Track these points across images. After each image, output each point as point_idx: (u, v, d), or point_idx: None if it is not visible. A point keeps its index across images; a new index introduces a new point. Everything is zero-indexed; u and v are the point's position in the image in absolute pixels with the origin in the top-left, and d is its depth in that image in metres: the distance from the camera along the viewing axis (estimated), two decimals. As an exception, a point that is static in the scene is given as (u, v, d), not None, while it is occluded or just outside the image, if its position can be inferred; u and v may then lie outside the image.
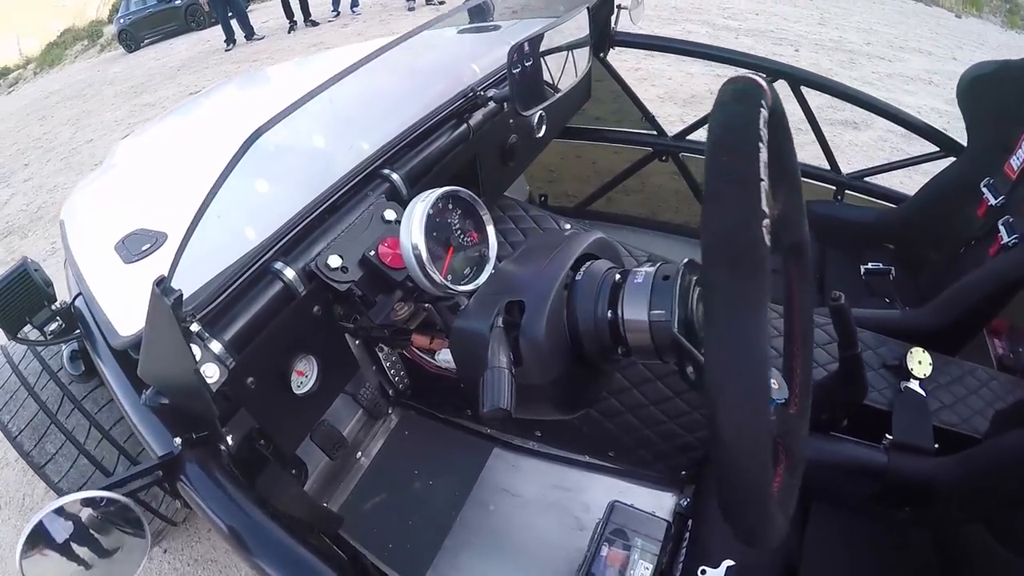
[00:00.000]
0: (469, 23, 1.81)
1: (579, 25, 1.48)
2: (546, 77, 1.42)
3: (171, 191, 1.35)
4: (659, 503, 1.41)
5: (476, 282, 0.88)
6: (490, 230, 0.94)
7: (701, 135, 2.09)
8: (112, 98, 7.73)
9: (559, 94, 1.41)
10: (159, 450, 0.86)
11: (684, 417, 1.39)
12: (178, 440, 0.81)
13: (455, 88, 1.41)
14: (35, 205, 5.22)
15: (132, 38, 11.71)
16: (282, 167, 1.17)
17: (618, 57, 2.02)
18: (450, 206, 0.91)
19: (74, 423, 1.62)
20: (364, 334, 1.02)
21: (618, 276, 0.74)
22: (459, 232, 0.92)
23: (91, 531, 0.72)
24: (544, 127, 1.66)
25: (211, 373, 0.82)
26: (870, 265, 1.85)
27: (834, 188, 2.01)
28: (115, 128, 6.47)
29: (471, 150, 1.38)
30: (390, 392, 1.71)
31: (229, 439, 0.86)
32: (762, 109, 0.50)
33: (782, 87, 1.80)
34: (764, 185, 0.45)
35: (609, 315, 0.71)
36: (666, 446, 1.40)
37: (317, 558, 0.73)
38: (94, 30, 13.81)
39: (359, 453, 1.69)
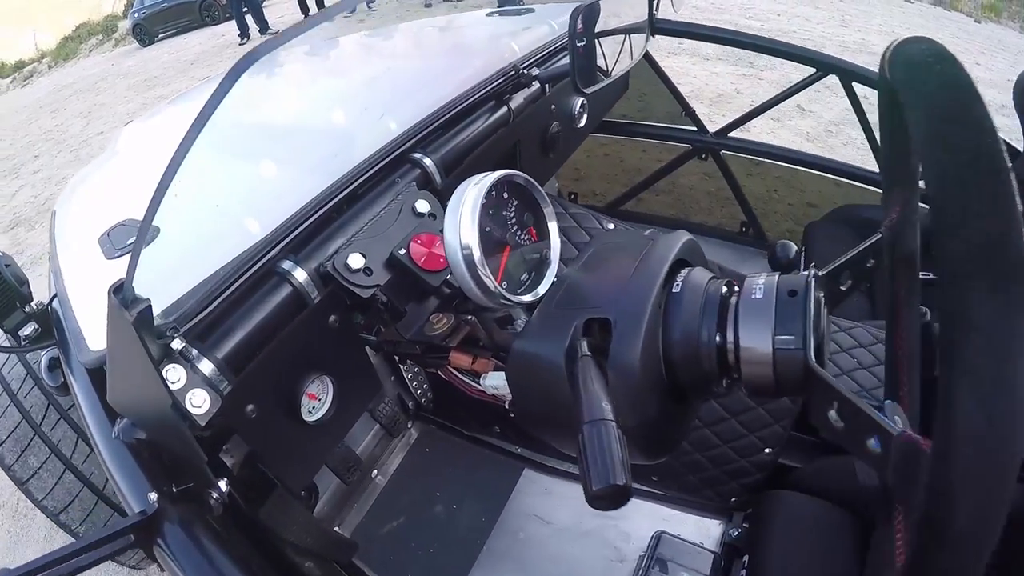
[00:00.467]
0: (499, 6, 1.66)
1: (637, 6, 1.34)
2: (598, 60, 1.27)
3: (181, 178, 1.18)
4: (706, 532, 1.27)
5: (536, 291, 0.69)
6: (552, 227, 0.74)
7: (744, 132, 1.95)
8: (125, 91, 7.68)
9: (613, 77, 1.23)
10: (134, 502, 0.68)
11: (739, 440, 1.24)
12: (153, 496, 0.63)
13: (494, 66, 1.24)
14: (43, 197, 5.15)
15: (146, 32, 11.62)
16: (293, 147, 0.99)
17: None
18: (505, 195, 0.71)
19: (60, 435, 1.45)
20: (390, 349, 0.85)
21: (725, 289, 0.59)
22: (515, 228, 0.73)
23: None
24: (585, 117, 1.50)
25: (199, 402, 0.64)
26: (921, 274, 1.68)
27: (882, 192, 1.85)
28: (127, 121, 6.32)
29: (512, 136, 1.23)
30: (410, 405, 1.53)
31: (223, 483, 0.68)
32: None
33: (832, 82, 1.65)
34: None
35: (717, 339, 0.56)
36: (717, 471, 1.25)
37: None
38: (109, 24, 13.69)
39: (375, 471, 1.51)
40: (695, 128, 1.98)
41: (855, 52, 5.49)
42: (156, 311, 0.70)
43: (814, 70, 1.59)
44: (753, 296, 0.55)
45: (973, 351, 0.32)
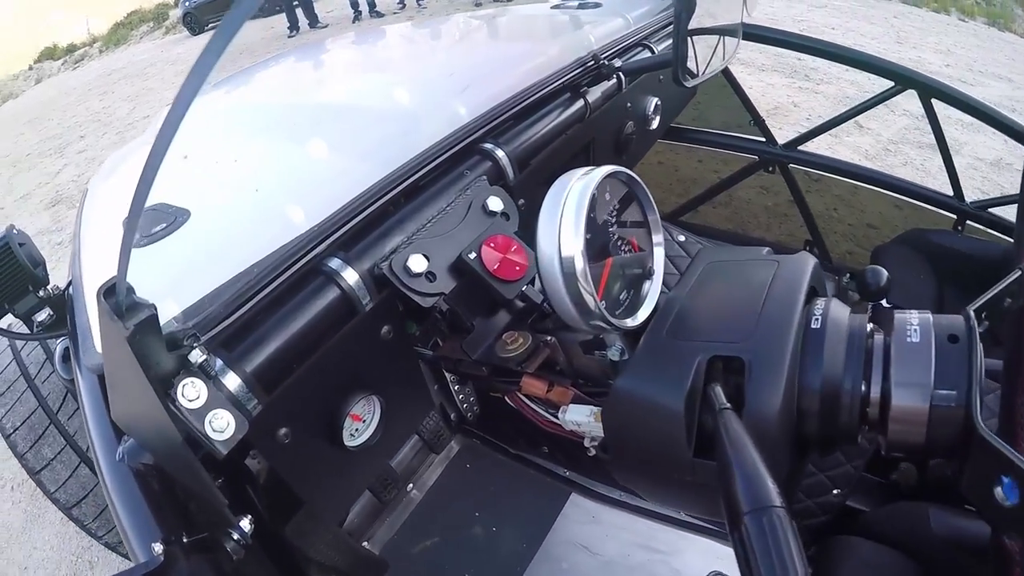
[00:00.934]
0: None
1: (732, 8, 1.24)
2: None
3: (209, 163, 1.06)
4: None
5: (636, 315, 0.55)
6: (658, 238, 0.61)
7: (816, 144, 1.82)
8: (173, 78, 7.76)
9: (704, 77, 1.13)
10: (137, 547, 0.55)
11: (807, 479, 1.14)
12: (159, 548, 0.50)
13: (571, 55, 1.12)
14: (86, 176, 5.15)
15: (196, 21, 11.68)
16: (347, 130, 0.86)
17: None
18: (607, 195, 0.58)
19: (77, 425, 1.35)
20: (450, 368, 0.74)
21: (870, 326, 0.50)
22: (616, 237, 0.59)
23: None
24: (657, 120, 1.39)
25: (222, 425, 0.51)
26: None
27: (955, 217, 1.69)
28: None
29: (587, 133, 1.12)
30: (452, 417, 1.41)
31: (246, 523, 0.55)
32: None
33: (911, 98, 1.56)
34: None
35: (863, 388, 0.47)
36: None
37: None
38: (160, 12, 13.84)
39: (410, 485, 1.39)
40: (763, 139, 1.85)
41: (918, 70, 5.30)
42: (175, 311, 0.58)
43: (891, 84, 1.52)
44: (908, 339, 0.46)
45: None
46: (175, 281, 0.64)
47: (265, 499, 0.66)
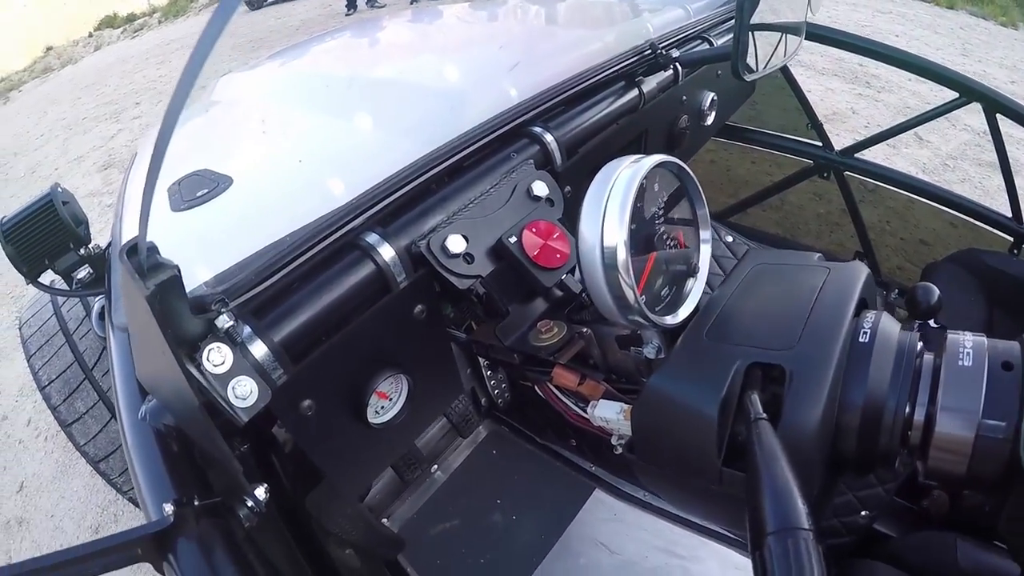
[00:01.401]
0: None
1: (797, 5, 1.21)
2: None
3: (255, 133, 1.06)
4: None
5: (676, 313, 0.53)
6: (706, 234, 0.58)
7: (872, 153, 1.78)
8: (229, 51, 7.80)
9: (765, 72, 1.10)
10: (151, 505, 0.55)
11: (837, 497, 1.12)
12: (169, 508, 0.49)
13: (628, 42, 1.10)
14: (139, 142, 5.25)
15: (257, -4, 11.78)
16: (393, 101, 0.85)
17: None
18: (656, 187, 0.56)
19: (111, 382, 1.37)
20: (481, 352, 0.73)
21: (921, 344, 0.48)
22: (663, 231, 0.57)
23: None
24: (713, 115, 1.36)
25: (245, 392, 0.51)
26: None
27: (1012, 240, 1.63)
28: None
29: (640, 124, 1.09)
30: (483, 402, 1.41)
31: (261, 491, 0.54)
32: None
33: (973, 113, 1.51)
34: None
35: (907, 410, 0.45)
36: None
37: None
38: None
39: (435, 466, 1.40)
40: (819, 144, 1.80)
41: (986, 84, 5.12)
42: (207, 276, 0.57)
43: (956, 95, 1.47)
44: (960, 363, 0.44)
45: None
46: (210, 246, 0.63)
47: (285, 469, 0.65)
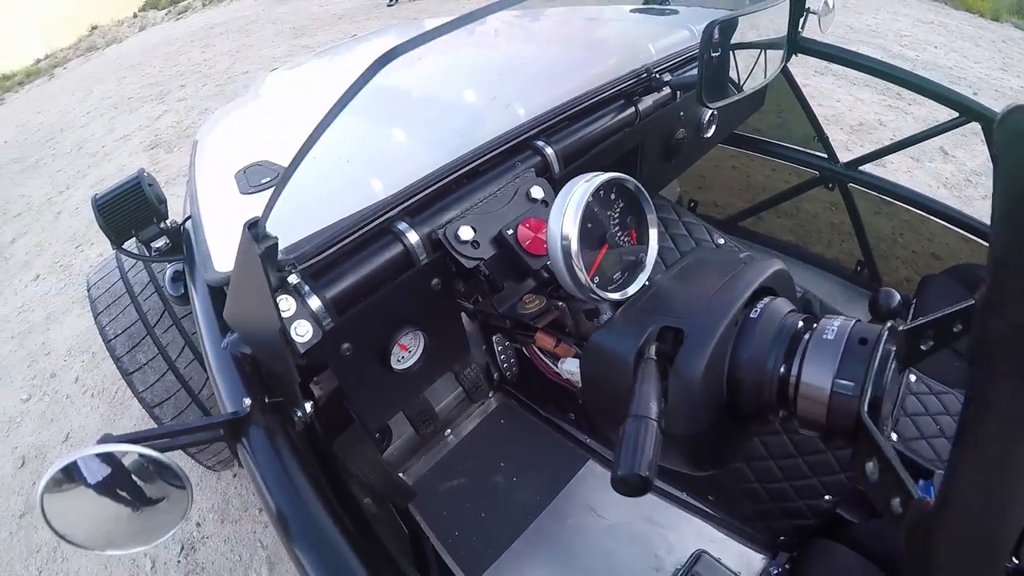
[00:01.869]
0: (645, 3, 1.66)
1: (777, 22, 1.32)
2: (731, 74, 1.26)
3: (306, 129, 1.26)
4: (747, 564, 1.26)
5: (626, 291, 0.71)
6: (653, 234, 0.76)
7: (878, 167, 1.86)
8: (273, 36, 8.00)
9: (744, 93, 1.23)
10: (229, 404, 0.75)
11: (802, 480, 1.22)
12: (248, 401, 0.70)
13: (627, 66, 1.25)
14: (184, 124, 5.49)
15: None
16: (423, 117, 1.04)
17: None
18: (612, 196, 0.74)
19: (169, 339, 1.59)
20: (483, 319, 0.90)
21: (801, 323, 0.61)
22: (617, 229, 0.75)
23: (127, 474, 0.59)
24: (714, 128, 1.49)
25: (303, 332, 0.71)
26: None
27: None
28: (271, 64, 6.65)
29: (635, 137, 1.24)
30: (495, 375, 1.59)
31: (308, 406, 0.75)
32: None
33: (973, 131, 1.53)
34: None
35: (782, 370, 0.58)
36: (772, 505, 1.24)
37: (360, 562, 0.62)
38: None
39: (448, 431, 1.59)
40: (825, 155, 1.88)
41: (1012, 100, 5.05)
42: (281, 247, 0.77)
43: (956, 114, 1.50)
44: (824, 336, 0.57)
45: (987, 431, 0.33)
46: (280, 225, 0.83)
47: (319, 419, 0.84)
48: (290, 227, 0.79)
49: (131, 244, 1.18)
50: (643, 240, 0.76)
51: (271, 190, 0.96)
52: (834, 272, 2.07)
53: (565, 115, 1.10)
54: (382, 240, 0.83)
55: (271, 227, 0.64)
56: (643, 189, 0.75)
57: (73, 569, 1.97)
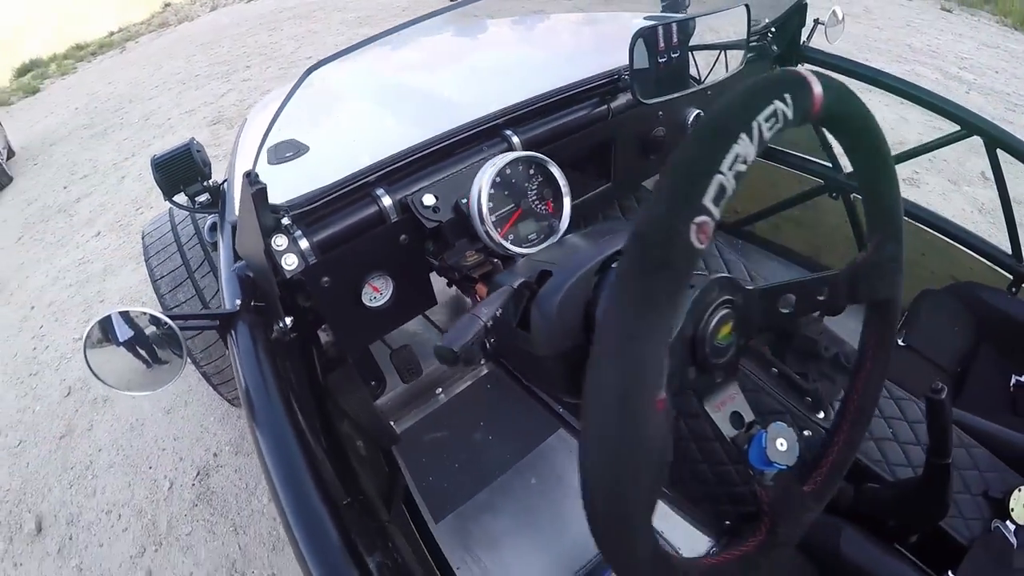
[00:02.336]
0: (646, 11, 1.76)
1: (730, 27, 1.41)
2: (693, 71, 1.38)
3: (329, 116, 1.51)
4: (692, 544, 1.35)
5: (536, 248, 0.93)
6: (567, 203, 0.98)
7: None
8: (338, 24, 8.30)
9: (693, 89, 1.35)
10: (228, 302, 1.01)
11: (741, 465, 1.29)
12: (238, 302, 0.95)
13: (604, 67, 1.37)
14: (247, 102, 5.85)
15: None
16: (410, 103, 1.26)
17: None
18: (532, 172, 0.97)
19: (206, 284, 1.89)
20: (440, 273, 1.09)
21: None
22: (535, 199, 0.98)
23: (146, 340, 0.85)
24: None
25: (290, 263, 0.95)
26: None
27: (1011, 278, 1.69)
28: (333, 51, 6.93)
29: (607, 133, 1.34)
30: (488, 344, 1.79)
31: (288, 320, 0.97)
32: (781, 103, 0.44)
33: (974, 145, 1.54)
34: (722, 180, 0.40)
35: None
36: (719, 489, 1.30)
37: (298, 440, 0.78)
38: None
39: (439, 389, 1.80)
40: (830, 164, 1.92)
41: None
42: (282, 199, 1.03)
43: (957, 127, 1.53)
44: None
45: (611, 297, 0.40)
46: (287, 185, 1.08)
47: (320, 361, 1.04)
48: (297, 186, 1.06)
49: (180, 199, 1.46)
50: (558, 210, 0.99)
51: (295, 162, 1.24)
52: None
53: (534, 108, 1.24)
54: (362, 201, 1.06)
55: (274, 187, 0.89)
56: (558, 170, 0.97)
57: (100, 485, 2.31)
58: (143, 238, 2.02)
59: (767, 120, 0.43)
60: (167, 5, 11.91)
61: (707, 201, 0.39)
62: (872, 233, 0.64)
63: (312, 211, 1.01)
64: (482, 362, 1.84)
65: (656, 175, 1.63)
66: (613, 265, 0.74)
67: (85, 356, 0.82)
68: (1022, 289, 1.68)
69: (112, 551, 2.05)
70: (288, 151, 1.30)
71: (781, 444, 0.60)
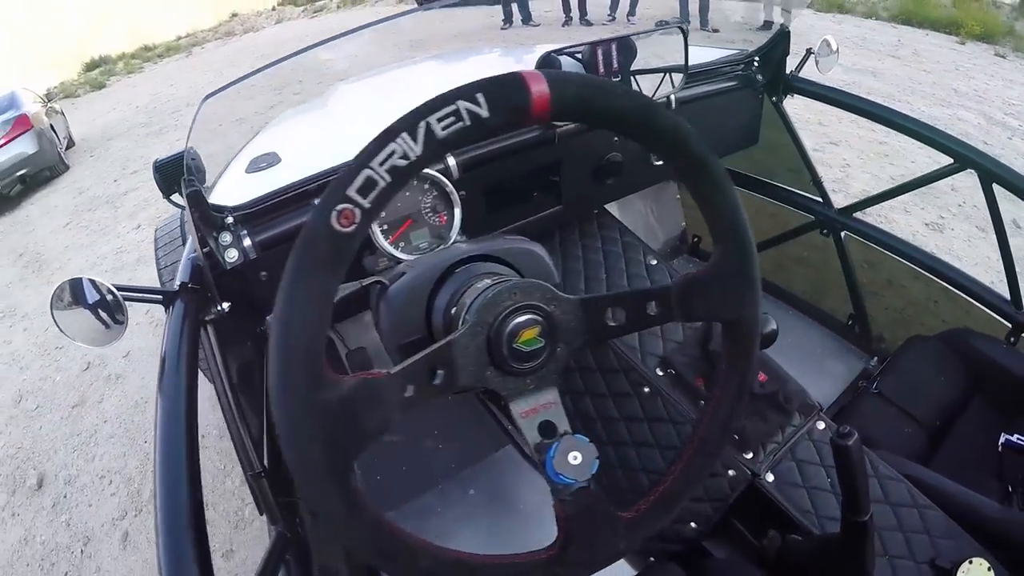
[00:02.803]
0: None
1: (672, 48, 1.44)
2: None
3: (305, 137, 1.72)
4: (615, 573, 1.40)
5: (421, 254, 1.07)
6: (457, 213, 1.13)
7: (873, 214, 1.81)
8: (392, 48, 8.56)
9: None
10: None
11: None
12: (177, 284, 1.11)
13: None
14: (289, 114, 6.17)
15: (425, -1, 12.94)
16: (359, 124, 1.41)
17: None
18: (426, 187, 1.12)
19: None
20: (356, 275, 1.17)
21: (487, 281, 0.74)
22: (429, 211, 1.13)
23: (101, 305, 1.02)
24: None
25: (232, 256, 1.11)
26: (1015, 438, 1.39)
27: (1009, 327, 1.56)
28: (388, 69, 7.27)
29: (553, 155, 1.35)
30: None
31: (225, 305, 1.12)
32: (468, 103, 0.48)
33: (970, 179, 1.46)
34: (371, 173, 0.46)
35: (453, 310, 0.75)
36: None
37: (186, 420, 0.82)
38: None
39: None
40: (820, 199, 1.84)
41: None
42: (236, 202, 1.22)
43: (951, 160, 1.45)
44: (475, 285, 0.73)
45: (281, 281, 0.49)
46: (256, 191, 1.20)
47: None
48: (244, 195, 1.24)
49: (178, 199, 1.68)
50: (450, 222, 1.14)
51: (266, 171, 1.45)
52: (826, 325, 2.01)
53: None
54: (302, 208, 1.20)
55: (252, 193, 1.09)
56: (452, 187, 1.12)
57: (100, 452, 2.58)
58: (155, 232, 2.28)
59: (441, 120, 0.47)
60: (234, 15, 12.48)
61: (351, 191, 0.46)
62: (714, 244, 0.62)
63: (255, 214, 1.17)
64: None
65: (614, 199, 1.73)
66: (458, 270, 0.79)
67: (53, 315, 1.01)
68: (1022, 339, 1.54)
69: (98, 512, 2.30)
70: (263, 162, 1.51)
71: (574, 458, 0.58)
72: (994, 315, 1.56)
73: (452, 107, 0.47)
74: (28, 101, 7.39)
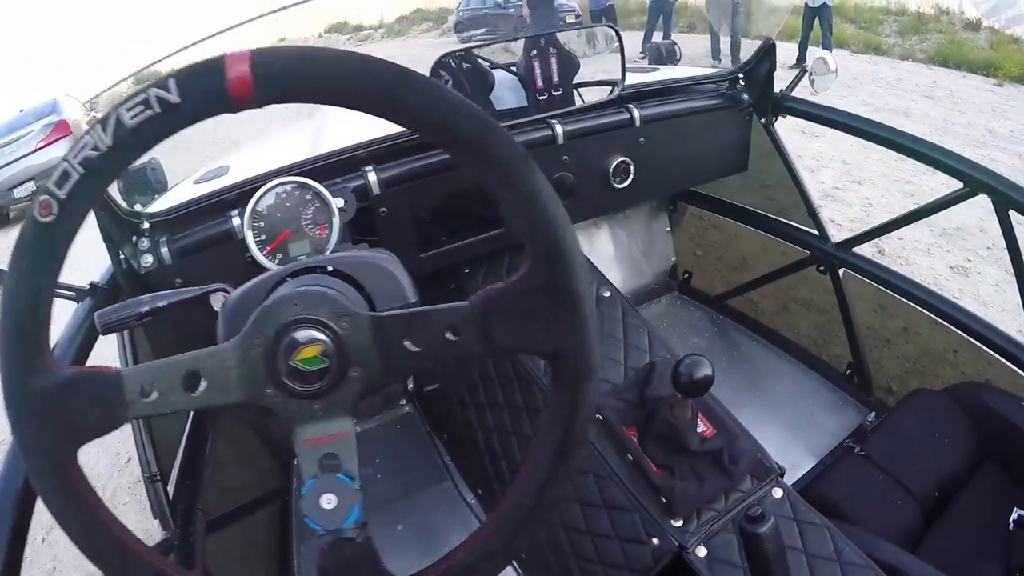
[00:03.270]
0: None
1: (612, 68, 1.42)
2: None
3: (258, 156, 1.72)
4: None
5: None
6: (335, 224, 1.11)
7: (894, 256, 1.73)
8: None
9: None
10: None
11: (609, 549, 1.10)
12: (90, 283, 1.11)
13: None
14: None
15: (466, 29, 13.16)
16: (286, 136, 1.48)
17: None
18: (308, 198, 1.11)
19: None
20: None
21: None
22: (309, 222, 1.11)
23: None
24: (630, 179, 1.47)
25: (147, 261, 1.12)
26: None
27: None
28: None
29: None
30: (410, 387, 1.83)
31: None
32: (158, 89, 0.44)
33: (984, 204, 1.31)
34: (66, 167, 0.45)
35: None
36: (597, 567, 1.12)
37: None
38: (441, 15, 15.50)
39: (354, 420, 1.89)
40: (816, 232, 1.68)
41: None
42: (160, 208, 1.19)
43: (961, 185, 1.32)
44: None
45: None
46: (182, 197, 1.23)
47: None
48: (166, 203, 1.23)
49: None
50: (329, 234, 1.11)
51: (213, 181, 1.45)
52: (823, 374, 1.82)
53: (395, 145, 1.28)
54: (218, 219, 1.19)
55: (171, 198, 1.10)
56: (330, 199, 1.10)
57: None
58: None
59: (131, 109, 0.44)
60: (281, 40, 12.70)
61: (49, 183, 0.45)
62: (526, 255, 0.50)
63: (174, 221, 1.17)
64: (401, 402, 1.90)
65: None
66: (290, 280, 0.71)
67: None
68: None
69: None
70: (213, 174, 1.51)
71: (328, 501, 0.52)
72: (1013, 367, 1.34)
73: (143, 96, 0.44)
74: (70, 108, 7.73)
